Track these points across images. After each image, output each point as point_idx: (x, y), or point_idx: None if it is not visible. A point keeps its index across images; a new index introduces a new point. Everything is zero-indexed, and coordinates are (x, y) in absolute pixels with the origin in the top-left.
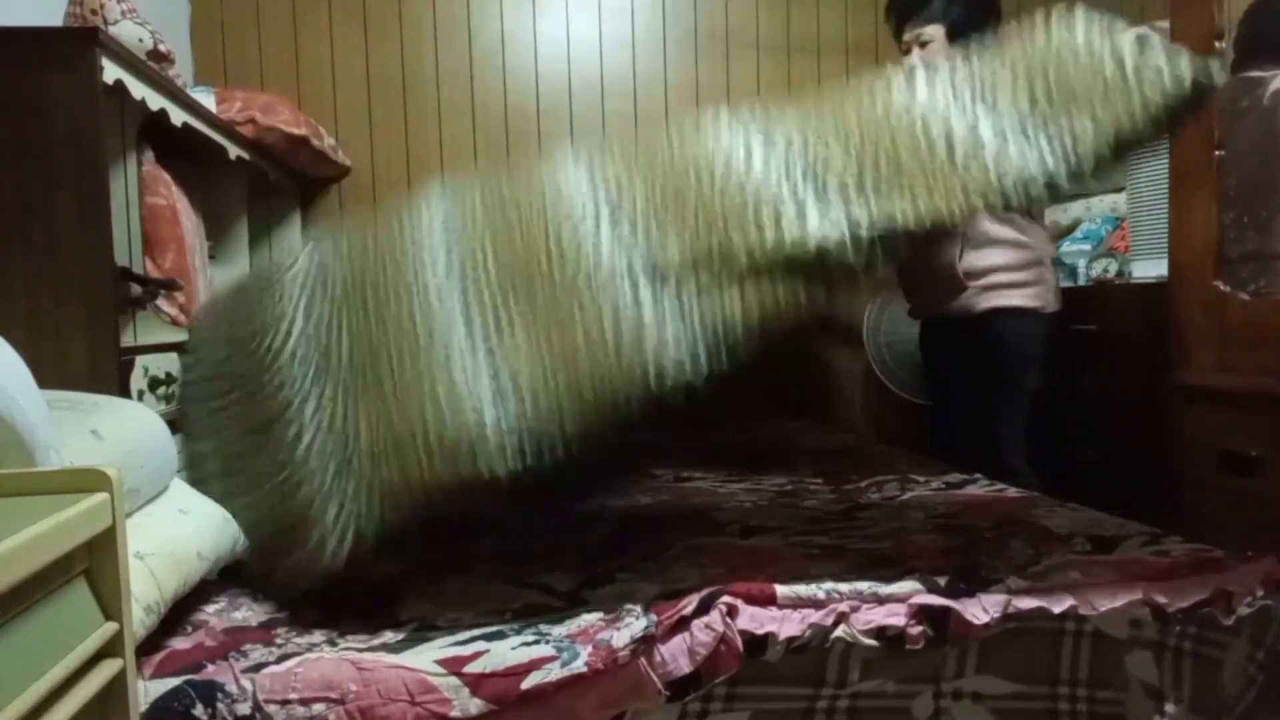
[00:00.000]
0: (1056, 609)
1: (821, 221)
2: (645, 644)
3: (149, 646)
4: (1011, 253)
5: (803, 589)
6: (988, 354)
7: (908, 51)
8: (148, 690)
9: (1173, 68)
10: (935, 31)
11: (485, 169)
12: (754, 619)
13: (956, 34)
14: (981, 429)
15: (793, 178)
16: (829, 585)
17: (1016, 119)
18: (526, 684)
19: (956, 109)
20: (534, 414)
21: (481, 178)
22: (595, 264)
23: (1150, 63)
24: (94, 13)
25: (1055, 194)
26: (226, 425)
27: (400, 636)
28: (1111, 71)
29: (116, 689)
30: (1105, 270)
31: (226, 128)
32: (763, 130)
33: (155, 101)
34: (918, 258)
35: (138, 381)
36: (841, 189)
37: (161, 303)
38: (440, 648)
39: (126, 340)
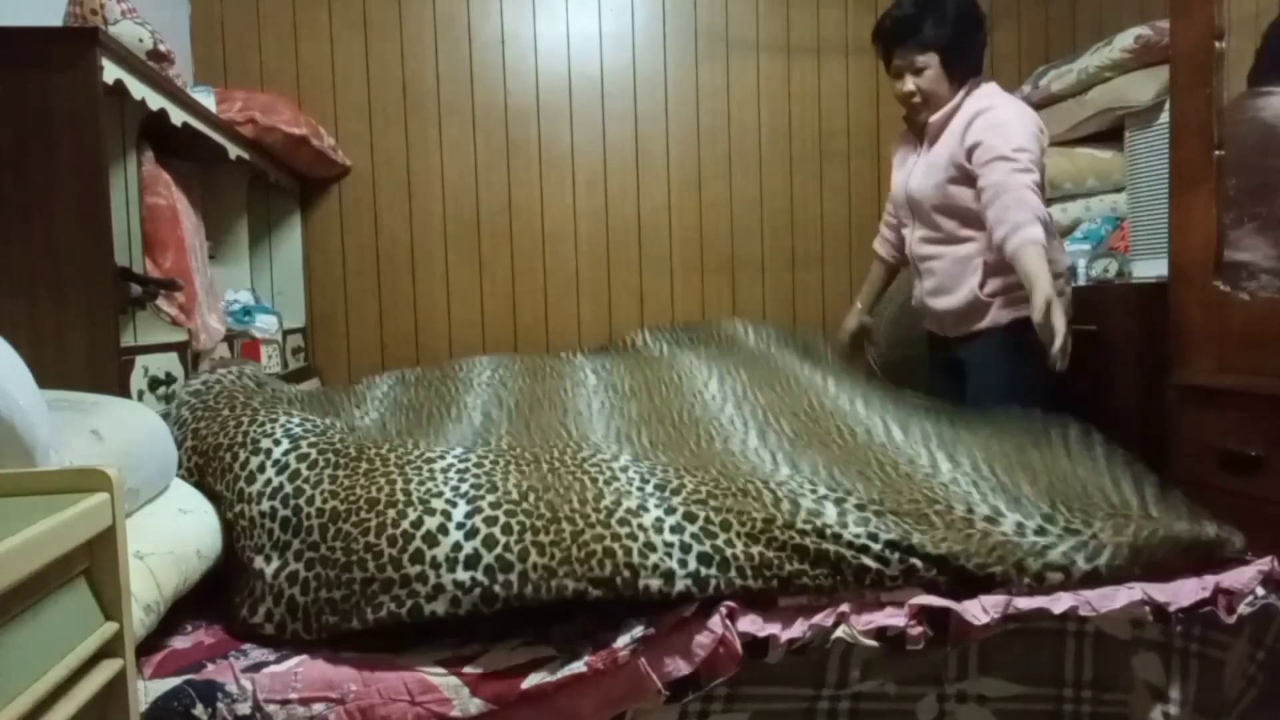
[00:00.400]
0: (1057, 609)
1: (840, 518)
2: (645, 644)
3: (149, 646)
4: None
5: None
6: (1028, 367)
7: (899, 76)
8: (148, 690)
9: (1193, 530)
10: (930, 59)
11: (486, 174)
12: (755, 622)
13: (950, 59)
14: None
15: (817, 491)
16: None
17: (1038, 520)
18: (526, 684)
19: (979, 496)
20: (501, 563)
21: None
22: (610, 466)
23: (1171, 522)
24: (94, 13)
25: (1068, 577)
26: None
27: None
28: (1137, 512)
29: (116, 689)
30: (1105, 270)
31: (226, 128)
32: (790, 456)
33: (155, 101)
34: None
35: (138, 381)
36: (861, 509)
37: (161, 303)
38: (440, 648)
39: (126, 340)
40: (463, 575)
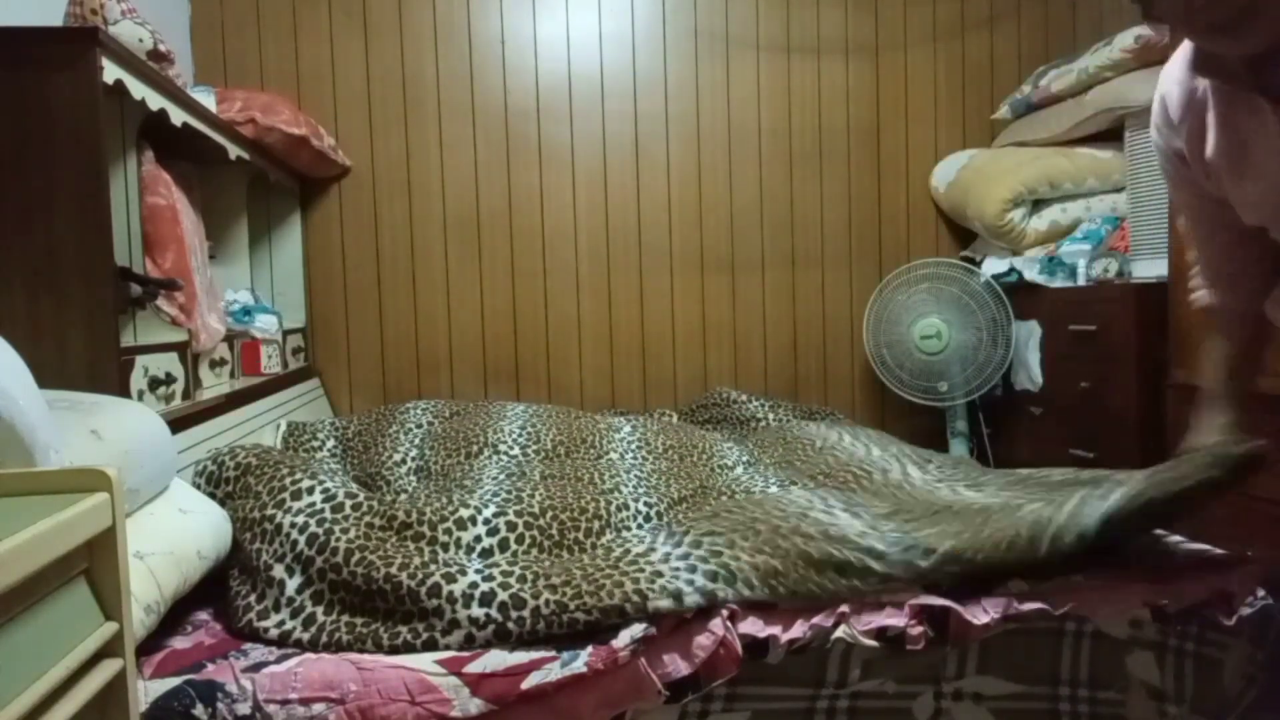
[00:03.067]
0: (1057, 610)
1: (850, 521)
2: (645, 644)
3: (149, 646)
4: None
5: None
6: None
7: None
8: (148, 690)
9: (1217, 448)
10: None
11: (487, 175)
12: (755, 622)
13: None
14: None
15: (829, 505)
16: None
17: (1051, 506)
18: (526, 684)
19: (998, 505)
20: (513, 596)
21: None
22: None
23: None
24: (94, 13)
25: (1082, 545)
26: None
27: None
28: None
29: (116, 689)
30: (1105, 270)
31: (226, 128)
32: (823, 495)
33: (155, 101)
34: None
35: (138, 381)
36: (894, 520)
37: (161, 303)
38: (440, 647)
39: (126, 340)
40: (477, 611)
